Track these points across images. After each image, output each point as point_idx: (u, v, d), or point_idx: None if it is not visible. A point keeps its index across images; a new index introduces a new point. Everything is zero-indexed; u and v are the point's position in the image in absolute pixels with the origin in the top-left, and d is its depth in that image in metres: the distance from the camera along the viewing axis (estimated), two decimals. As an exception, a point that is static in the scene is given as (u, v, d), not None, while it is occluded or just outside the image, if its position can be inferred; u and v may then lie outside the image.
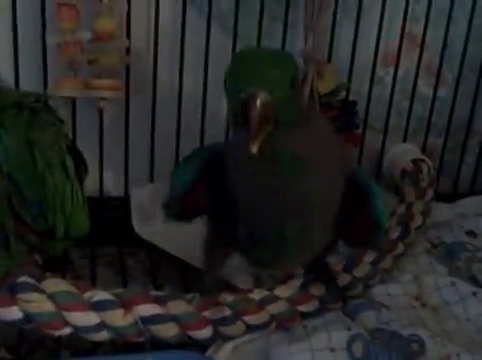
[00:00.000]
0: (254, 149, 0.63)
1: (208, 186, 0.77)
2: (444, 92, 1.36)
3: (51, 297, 0.73)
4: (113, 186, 1.24)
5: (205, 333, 0.79)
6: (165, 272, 1.10)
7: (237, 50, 1.18)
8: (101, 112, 1.14)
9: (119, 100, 1.14)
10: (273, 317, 0.83)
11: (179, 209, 0.80)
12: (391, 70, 1.30)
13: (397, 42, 1.27)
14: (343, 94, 1.25)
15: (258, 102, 0.62)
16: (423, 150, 1.35)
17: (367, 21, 1.26)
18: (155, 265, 1.11)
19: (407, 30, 1.28)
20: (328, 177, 0.73)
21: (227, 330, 0.81)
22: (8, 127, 0.64)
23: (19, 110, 0.67)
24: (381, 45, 1.27)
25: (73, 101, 1.12)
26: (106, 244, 1.16)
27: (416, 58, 1.30)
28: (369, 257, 0.96)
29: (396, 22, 1.27)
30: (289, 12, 1.21)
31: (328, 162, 0.73)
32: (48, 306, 0.73)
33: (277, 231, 0.75)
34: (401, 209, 1.11)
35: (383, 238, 0.86)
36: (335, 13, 1.23)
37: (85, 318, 0.74)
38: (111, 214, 1.20)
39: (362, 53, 1.27)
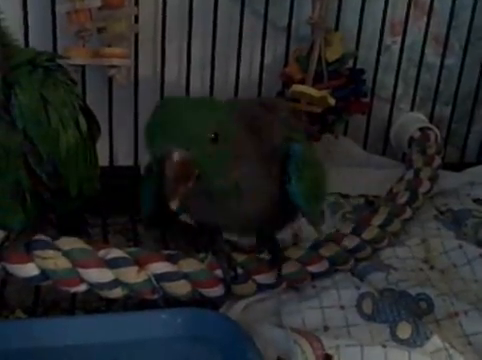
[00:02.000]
0: (174, 205, 0.62)
1: None
2: (451, 61, 1.36)
3: (67, 254, 0.74)
4: (123, 155, 1.25)
5: (217, 291, 0.81)
6: (175, 239, 1.11)
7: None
8: (111, 80, 1.15)
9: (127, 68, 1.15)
10: (283, 277, 0.84)
11: (156, 220, 0.82)
12: (398, 39, 1.30)
13: (404, 10, 1.27)
14: (350, 62, 1.25)
15: (173, 161, 0.61)
16: (430, 119, 1.35)
17: (375, -12, 1.26)
18: (165, 232, 1.11)
19: (414, -1, 1.28)
20: (258, 196, 0.73)
21: (238, 289, 0.82)
22: (23, 84, 0.65)
23: (33, 68, 0.67)
24: (388, 13, 1.27)
25: (82, 69, 1.13)
26: (117, 212, 1.17)
27: (423, 27, 1.30)
28: (377, 220, 0.97)
29: (404, -10, 1.27)
30: (297, -20, 1.21)
31: (260, 184, 0.72)
32: (64, 263, 0.74)
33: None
34: (409, 175, 1.12)
35: (314, 219, 0.82)
36: (343, -19, 1.23)
37: (100, 275, 0.75)
38: (122, 183, 1.21)
39: (370, 21, 1.28)
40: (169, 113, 0.64)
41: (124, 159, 1.26)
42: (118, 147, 1.24)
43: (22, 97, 0.64)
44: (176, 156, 0.61)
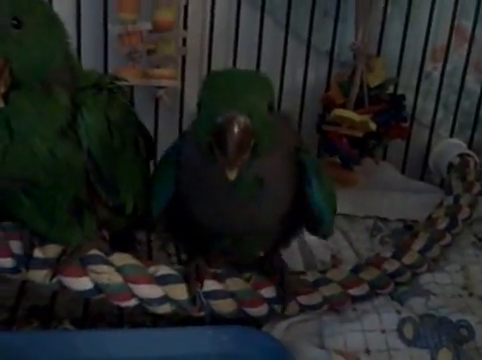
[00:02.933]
0: (232, 176, 0.60)
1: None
2: (492, 88, 1.37)
3: (119, 270, 0.77)
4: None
5: (261, 310, 0.83)
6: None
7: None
8: (157, 101, 1.18)
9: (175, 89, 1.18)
10: (325, 299, 0.86)
11: (165, 224, 0.81)
12: (439, 65, 1.32)
13: (446, 37, 1.29)
14: (391, 88, 1.27)
15: (237, 127, 0.59)
16: (469, 145, 1.36)
17: (417, 16, 1.28)
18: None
19: (456, 25, 1.30)
20: (280, 196, 0.72)
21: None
22: (89, 105, 0.68)
23: (98, 90, 0.70)
24: (430, 40, 1.29)
25: (131, 90, 1.17)
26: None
27: (464, 53, 1.32)
28: (417, 245, 0.99)
29: (445, 17, 1.29)
30: (340, 6, 1.24)
31: (282, 182, 0.71)
32: (117, 278, 0.76)
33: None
34: (448, 201, 1.13)
35: (328, 228, 0.80)
36: (385, 8, 1.26)
37: (150, 291, 0.77)
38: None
39: (411, 48, 1.30)
40: (227, 83, 0.63)
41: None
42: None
43: (88, 118, 0.67)
44: (240, 122, 0.59)
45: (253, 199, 0.68)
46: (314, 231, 0.83)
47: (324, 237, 0.85)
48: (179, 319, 0.86)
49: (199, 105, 0.64)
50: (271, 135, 0.64)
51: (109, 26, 1.11)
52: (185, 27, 1.16)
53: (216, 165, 0.62)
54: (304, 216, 0.77)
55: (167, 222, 0.81)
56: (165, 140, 1.21)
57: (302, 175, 0.73)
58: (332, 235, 0.85)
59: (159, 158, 1.17)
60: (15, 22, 0.59)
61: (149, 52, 1.12)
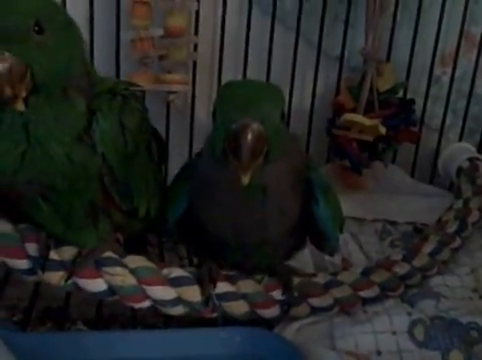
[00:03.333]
0: (245, 180, 0.62)
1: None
2: (501, 93, 1.38)
3: (133, 272, 0.78)
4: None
5: (272, 312, 0.83)
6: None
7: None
8: (168, 105, 1.20)
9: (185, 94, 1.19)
10: (336, 301, 0.87)
11: (178, 233, 0.84)
12: (448, 70, 1.33)
13: (455, 43, 1.30)
14: (401, 92, 1.28)
15: (250, 133, 0.61)
16: (479, 149, 1.37)
17: (426, 21, 1.29)
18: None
19: (465, 31, 1.30)
20: (285, 207, 0.74)
21: (293, 310, 0.85)
22: (104, 111, 0.69)
23: (113, 96, 0.72)
24: (439, 45, 1.30)
25: (142, 94, 1.18)
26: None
27: (473, 58, 1.33)
28: (427, 248, 0.99)
29: (455, 23, 1.30)
30: (350, 12, 1.25)
31: (287, 194, 0.73)
32: (131, 280, 0.77)
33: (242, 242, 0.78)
34: (458, 204, 1.13)
35: (334, 246, 0.84)
36: (395, 13, 1.26)
37: (163, 292, 0.78)
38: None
39: (420, 53, 1.31)
40: (241, 91, 0.65)
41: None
42: (171, 170, 1.28)
43: (103, 123, 0.69)
44: (254, 128, 0.62)
45: (259, 207, 0.71)
46: (320, 247, 0.87)
47: (330, 254, 0.89)
48: (190, 321, 0.87)
49: (214, 114, 0.67)
50: (282, 142, 0.67)
51: (122, 32, 1.13)
52: (196, 33, 1.18)
53: (229, 173, 0.65)
54: (310, 233, 0.80)
55: (181, 232, 0.84)
56: (176, 144, 1.24)
57: (310, 192, 0.76)
58: (338, 252, 0.87)
59: (170, 161, 1.20)
60: (36, 28, 0.61)
61: (161, 57, 1.14)
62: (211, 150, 0.68)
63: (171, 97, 1.15)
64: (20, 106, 0.61)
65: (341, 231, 0.84)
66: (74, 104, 0.67)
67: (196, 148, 1.23)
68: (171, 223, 0.81)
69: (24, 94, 0.61)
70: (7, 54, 0.59)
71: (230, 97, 0.65)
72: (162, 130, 1.21)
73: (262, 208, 0.72)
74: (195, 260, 1.02)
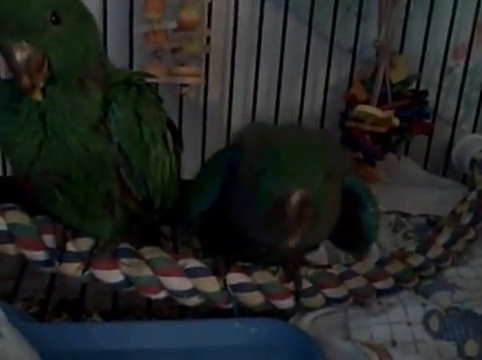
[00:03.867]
0: (293, 244, 0.63)
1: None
2: (514, 84, 1.37)
3: (149, 262, 0.78)
4: (189, 170, 1.29)
5: (287, 303, 0.84)
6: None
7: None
8: (181, 98, 1.20)
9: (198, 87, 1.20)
10: (351, 292, 0.87)
11: (198, 228, 0.83)
12: (462, 61, 1.32)
13: (468, 34, 1.29)
14: (414, 84, 1.28)
15: (295, 200, 0.61)
16: (492, 141, 1.36)
17: (439, 13, 1.28)
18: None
19: (479, 22, 1.29)
20: (328, 226, 0.73)
21: (307, 301, 0.85)
22: (119, 101, 0.69)
23: (128, 86, 0.72)
24: (452, 36, 1.29)
25: (156, 87, 1.18)
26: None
27: (487, 50, 1.32)
28: (442, 240, 0.99)
29: (468, 14, 1.29)
30: (363, 3, 1.24)
31: (333, 215, 0.73)
32: (147, 271, 0.78)
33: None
34: (472, 196, 1.13)
35: (370, 247, 0.86)
36: (408, 5, 1.26)
37: (180, 283, 0.79)
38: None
39: (433, 44, 1.30)
40: (285, 155, 0.65)
41: (189, 173, 1.30)
42: (184, 162, 1.28)
43: (119, 113, 0.69)
44: (299, 194, 0.61)
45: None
46: (353, 251, 0.88)
47: (360, 256, 0.89)
48: (205, 312, 0.88)
49: (257, 172, 0.66)
50: (329, 203, 0.67)
51: (135, 25, 1.13)
52: (209, 25, 1.18)
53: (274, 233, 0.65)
54: (344, 235, 0.79)
55: (202, 224, 0.83)
56: (189, 137, 1.24)
57: (352, 199, 0.76)
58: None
59: (183, 154, 1.20)
60: (53, 18, 0.61)
61: (174, 50, 1.14)
62: (255, 205, 0.67)
63: (184, 90, 1.16)
64: (38, 96, 0.62)
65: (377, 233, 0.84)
66: (90, 94, 0.67)
67: (209, 141, 1.25)
68: (195, 214, 0.80)
69: (42, 84, 0.61)
70: (25, 44, 0.59)
71: (276, 160, 0.65)
72: (175, 122, 1.21)
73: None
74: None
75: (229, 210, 0.75)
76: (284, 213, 0.62)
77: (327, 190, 0.66)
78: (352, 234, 0.81)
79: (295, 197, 0.61)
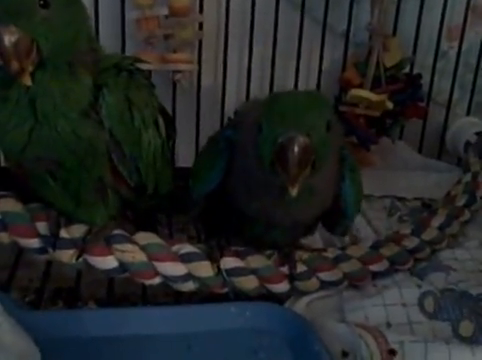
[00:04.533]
0: (294, 192, 0.64)
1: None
2: (508, 66, 1.37)
3: (143, 248, 0.78)
4: (183, 157, 1.29)
5: (282, 287, 0.84)
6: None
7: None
8: (174, 84, 1.19)
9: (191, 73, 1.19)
10: (345, 275, 0.87)
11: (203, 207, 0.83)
12: (455, 44, 1.32)
13: (461, 16, 1.29)
14: (408, 67, 1.27)
15: (297, 146, 0.63)
16: (486, 124, 1.36)
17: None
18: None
19: (472, 4, 1.29)
20: (326, 197, 0.76)
21: (302, 285, 0.85)
22: (110, 86, 0.69)
23: (118, 71, 0.71)
24: (446, 19, 1.29)
25: (148, 74, 1.17)
26: (177, 212, 1.21)
27: (480, 32, 1.32)
28: (436, 222, 0.99)
29: (461, -5, 1.28)
30: (356, -14, 1.24)
31: (330, 185, 0.75)
32: (141, 256, 0.78)
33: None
34: (467, 178, 1.13)
35: (348, 225, 0.86)
36: (400, -13, 1.25)
37: (174, 268, 0.79)
38: (183, 184, 1.25)
39: (427, 27, 1.29)
40: (287, 104, 0.66)
41: (184, 161, 1.30)
42: (179, 149, 1.28)
43: (109, 98, 0.69)
44: (301, 141, 0.63)
45: (302, 203, 0.72)
46: (331, 228, 0.87)
47: (342, 235, 0.90)
48: (200, 298, 0.88)
49: (260, 125, 0.67)
50: (328, 152, 0.68)
51: (126, 11, 1.12)
52: (201, 11, 1.17)
53: (276, 180, 0.66)
54: (327, 211, 0.79)
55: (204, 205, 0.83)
56: (183, 123, 1.24)
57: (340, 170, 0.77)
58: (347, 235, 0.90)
59: (176, 140, 1.19)
60: (42, 2, 0.61)
61: (166, 37, 1.13)
62: (258, 158, 0.68)
63: (177, 76, 1.15)
64: (27, 80, 0.61)
65: (358, 211, 0.85)
66: (80, 79, 0.67)
67: (203, 127, 1.24)
68: (197, 196, 0.81)
69: (31, 68, 0.61)
70: (13, 28, 0.59)
71: (276, 109, 0.66)
72: (169, 109, 1.20)
73: (305, 204, 0.73)
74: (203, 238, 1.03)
75: (230, 185, 0.76)
76: (286, 158, 0.63)
77: (327, 142, 0.67)
78: (336, 211, 0.81)
79: (297, 141, 0.63)
